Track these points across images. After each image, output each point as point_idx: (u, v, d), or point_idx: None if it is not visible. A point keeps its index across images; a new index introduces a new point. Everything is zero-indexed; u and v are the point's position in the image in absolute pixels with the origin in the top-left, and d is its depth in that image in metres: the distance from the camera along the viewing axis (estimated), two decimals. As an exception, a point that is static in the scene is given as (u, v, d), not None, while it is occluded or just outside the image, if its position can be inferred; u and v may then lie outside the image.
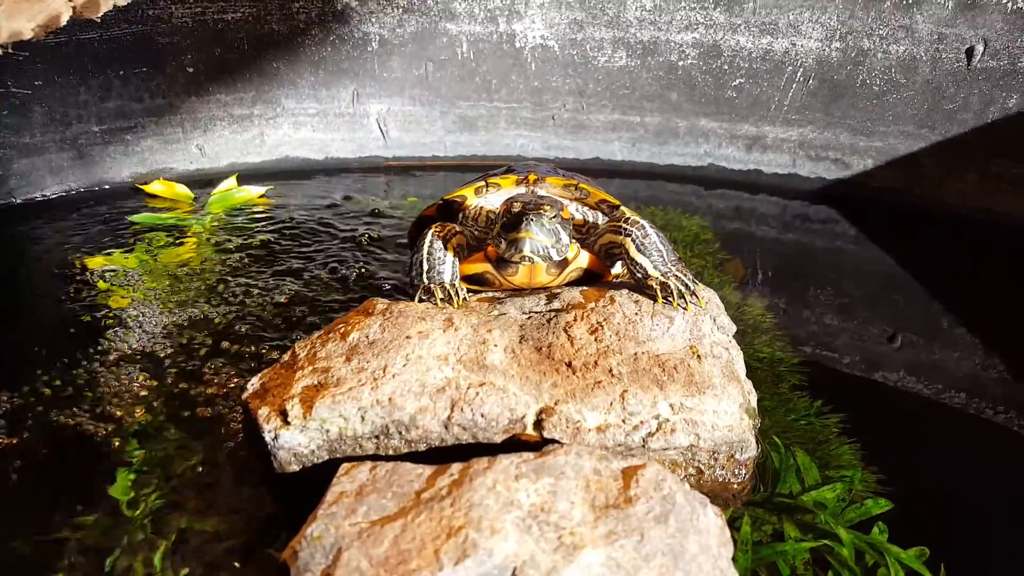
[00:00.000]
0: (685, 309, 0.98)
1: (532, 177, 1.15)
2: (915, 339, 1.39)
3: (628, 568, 0.66)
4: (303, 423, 0.84)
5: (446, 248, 1.09)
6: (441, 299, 1.05)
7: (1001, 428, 1.14)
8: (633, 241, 1.04)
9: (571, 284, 1.12)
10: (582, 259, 1.11)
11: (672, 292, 1.00)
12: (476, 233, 1.16)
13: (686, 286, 1.01)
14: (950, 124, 1.82)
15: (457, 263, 1.10)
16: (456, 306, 1.04)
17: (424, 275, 1.08)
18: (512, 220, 1.01)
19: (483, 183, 1.17)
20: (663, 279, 1.01)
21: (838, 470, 0.99)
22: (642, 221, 1.06)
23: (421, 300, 1.06)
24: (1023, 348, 1.35)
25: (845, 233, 1.85)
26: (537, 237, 1.00)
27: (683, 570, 0.67)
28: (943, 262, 1.71)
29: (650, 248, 1.03)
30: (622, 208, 1.13)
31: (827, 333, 1.38)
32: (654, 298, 1.00)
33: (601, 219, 1.17)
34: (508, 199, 1.06)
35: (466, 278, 1.11)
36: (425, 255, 1.08)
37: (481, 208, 1.18)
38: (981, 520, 0.96)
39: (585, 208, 1.18)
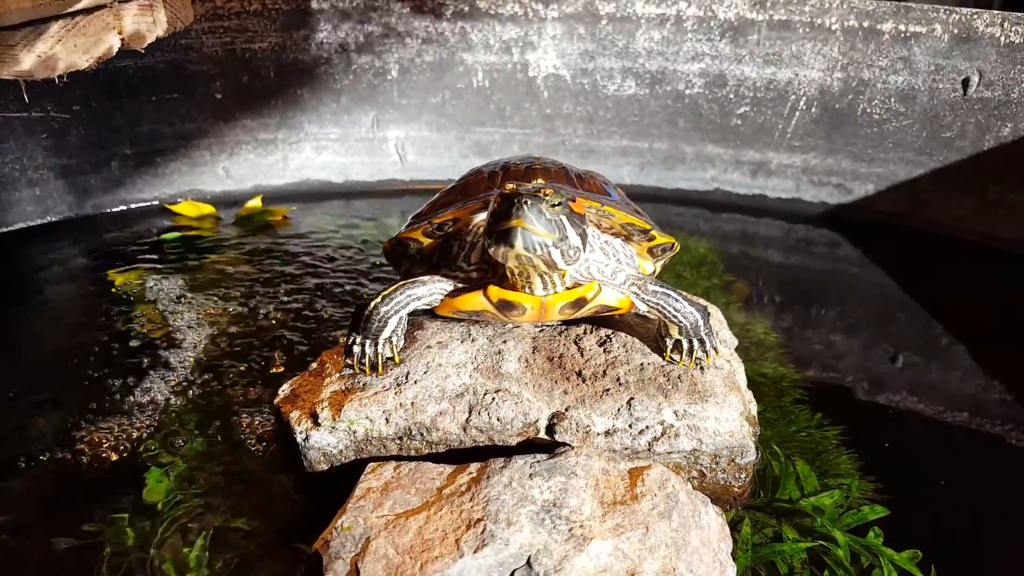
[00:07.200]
0: (688, 367, 0.97)
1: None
2: (914, 358, 1.44)
3: (634, 558, 0.72)
4: (332, 424, 0.90)
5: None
6: (360, 363, 0.94)
7: (994, 440, 1.18)
8: (679, 326, 0.96)
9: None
10: (606, 295, 0.93)
11: (684, 351, 0.96)
12: (462, 275, 0.95)
13: (703, 346, 0.96)
14: (948, 151, 1.88)
15: (404, 323, 0.96)
16: (379, 372, 0.93)
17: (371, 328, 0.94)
18: (503, 207, 0.79)
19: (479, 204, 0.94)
20: (681, 338, 0.97)
21: (836, 478, 1.04)
22: (682, 303, 0.95)
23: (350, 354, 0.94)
24: (1017, 367, 1.39)
25: (847, 256, 1.90)
26: (533, 227, 0.77)
27: (685, 561, 0.73)
28: (941, 283, 1.76)
29: (686, 322, 0.96)
30: (653, 231, 1.00)
31: (828, 351, 1.43)
32: (663, 351, 0.98)
33: (626, 254, 1.00)
34: (502, 186, 0.87)
35: (459, 313, 0.97)
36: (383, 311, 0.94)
37: (479, 227, 0.95)
38: (973, 526, 1.00)
39: (615, 242, 1.00)
